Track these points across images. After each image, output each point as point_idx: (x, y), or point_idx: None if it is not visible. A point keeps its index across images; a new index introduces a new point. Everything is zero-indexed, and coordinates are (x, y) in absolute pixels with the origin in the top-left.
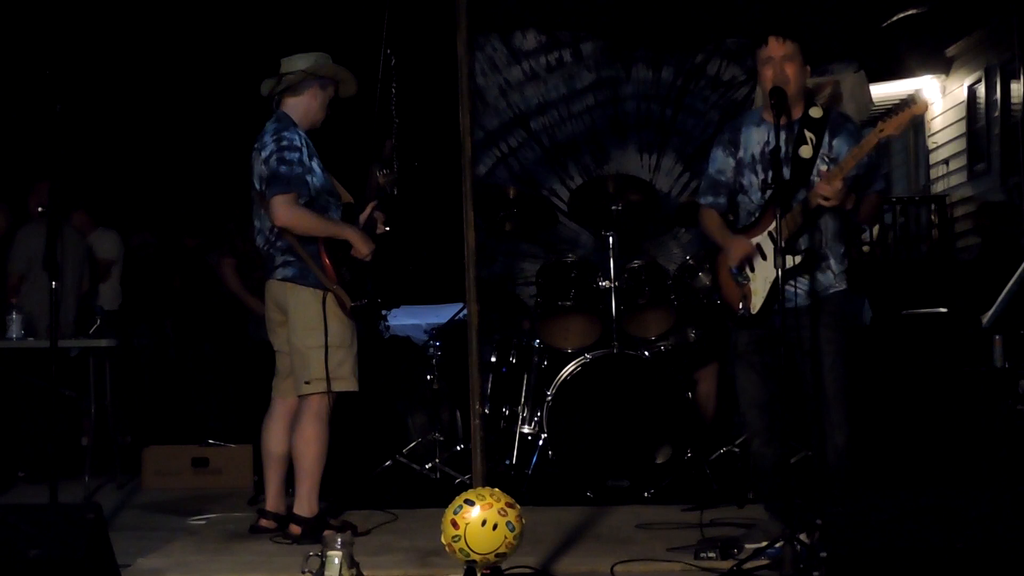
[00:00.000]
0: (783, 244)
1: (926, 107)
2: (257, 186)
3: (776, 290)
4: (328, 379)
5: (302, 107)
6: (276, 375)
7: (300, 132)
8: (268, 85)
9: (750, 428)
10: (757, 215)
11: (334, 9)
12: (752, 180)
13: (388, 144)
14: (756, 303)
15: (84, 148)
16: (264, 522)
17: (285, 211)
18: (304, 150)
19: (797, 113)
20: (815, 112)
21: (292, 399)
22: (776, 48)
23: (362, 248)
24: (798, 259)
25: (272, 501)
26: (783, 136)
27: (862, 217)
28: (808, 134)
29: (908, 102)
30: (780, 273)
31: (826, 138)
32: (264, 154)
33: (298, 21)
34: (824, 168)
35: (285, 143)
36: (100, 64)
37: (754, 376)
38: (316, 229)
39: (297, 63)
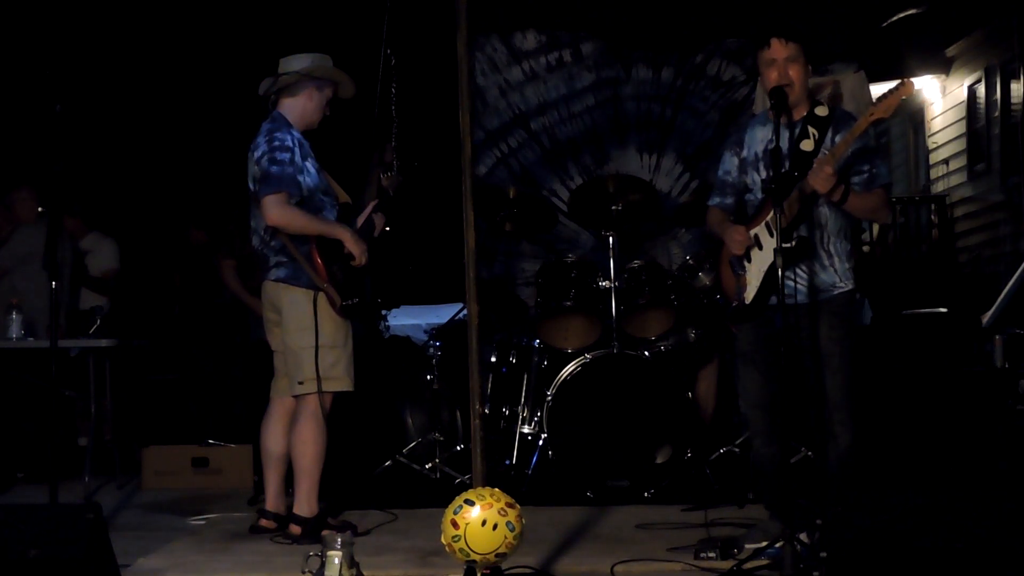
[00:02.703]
0: (780, 237)
1: (912, 88)
2: (252, 187)
3: (770, 280)
4: (319, 379)
5: (298, 108)
6: (275, 375)
7: (294, 132)
8: (265, 85)
9: (752, 428)
10: (757, 207)
11: (334, 9)
12: (755, 178)
13: (389, 148)
14: (750, 293)
15: (79, 150)
16: (264, 522)
17: (275, 210)
18: (296, 150)
19: (802, 112)
20: (821, 110)
21: (290, 399)
22: (779, 50)
23: (354, 248)
24: (792, 244)
25: (272, 501)
26: (785, 135)
27: (856, 208)
28: (812, 130)
29: (897, 86)
30: (781, 273)
31: (829, 133)
32: (256, 154)
33: (298, 21)
34: None
35: (276, 143)
36: (99, 64)
37: (757, 376)
38: (307, 228)
39: (294, 64)
